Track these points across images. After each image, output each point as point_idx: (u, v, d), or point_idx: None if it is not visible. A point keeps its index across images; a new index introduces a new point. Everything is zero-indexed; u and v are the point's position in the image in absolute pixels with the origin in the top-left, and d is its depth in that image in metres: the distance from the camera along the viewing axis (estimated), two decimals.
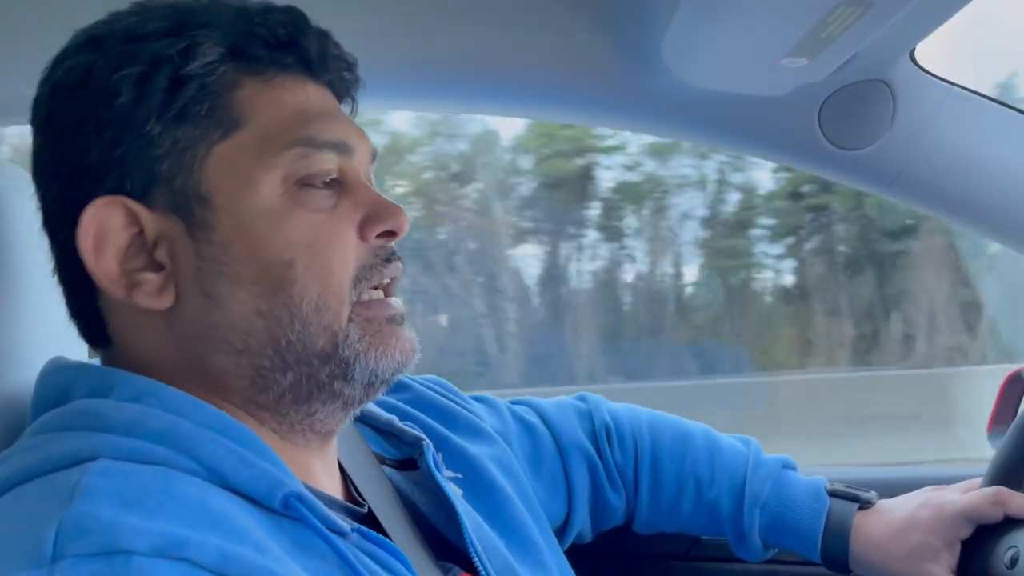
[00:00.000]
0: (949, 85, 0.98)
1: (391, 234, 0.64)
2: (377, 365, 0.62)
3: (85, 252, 0.59)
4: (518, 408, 0.97)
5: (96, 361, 0.67)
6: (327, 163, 0.61)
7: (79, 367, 0.62)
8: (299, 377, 0.61)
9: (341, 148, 0.62)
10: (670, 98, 1.00)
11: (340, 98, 0.68)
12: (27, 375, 0.69)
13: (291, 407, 0.62)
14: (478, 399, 0.94)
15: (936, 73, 0.98)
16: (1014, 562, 0.79)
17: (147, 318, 0.60)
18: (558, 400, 1.01)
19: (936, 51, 0.97)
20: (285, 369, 0.60)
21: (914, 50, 0.96)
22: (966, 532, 0.85)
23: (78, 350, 0.75)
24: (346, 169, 0.63)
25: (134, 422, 0.55)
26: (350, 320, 0.61)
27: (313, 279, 0.60)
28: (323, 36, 0.65)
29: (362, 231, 0.62)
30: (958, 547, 0.86)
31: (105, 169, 0.59)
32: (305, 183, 0.60)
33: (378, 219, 0.63)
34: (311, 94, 0.64)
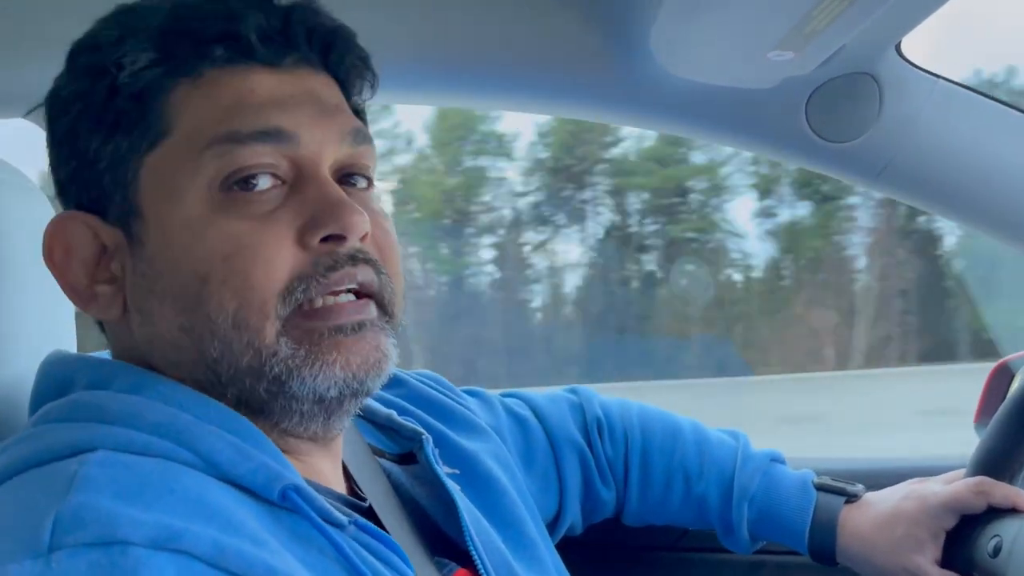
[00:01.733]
0: (935, 78, 0.99)
1: (339, 239, 0.57)
2: (316, 382, 0.57)
3: (49, 263, 0.60)
4: (510, 401, 0.97)
5: (100, 353, 0.67)
6: (254, 157, 0.56)
7: (80, 359, 0.62)
8: (238, 393, 0.58)
9: (276, 136, 0.57)
10: (658, 91, 1.00)
11: (338, 79, 0.63)
12: (21, 370, 0.69)
13: (260, 416, 0.59)
14: (471, 393, 0.94)
15: (922, 66, 0.99)
16: (997, 551, 0.79)
17: (112, 328, 0.62)
18: (550, 393, 1.01)
19: (922, 44, 0.98)
20: (224, 385, 0.58)
21: (900, 43, 0.96)
22: (950, 523, 0.86)
23: (67, 343, 0.76)
24: (298, 161, 0.58)
25: (133, 414, 0.55)
26: (280, 334, 0.56)
27: (230, 294, 0.55)
28: (272, 13, 0.59)
29: (302, 237, 0.57)
30: (943, 537, 0.86)
31: (67, 184, 0.61)
32: (231, 186, 0.56)
33: (318, 223, 0.57)
34: (256, 84, 0.58)
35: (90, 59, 0.59)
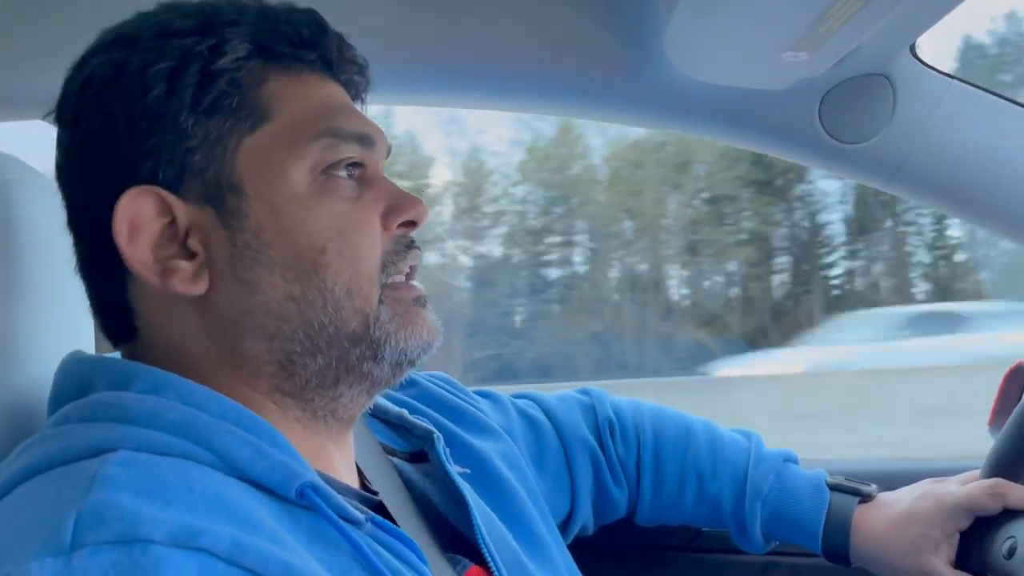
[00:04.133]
0: (949, 79, 0.98)
1: (411, 224, 0.66)
2: (407, 345, 0.64)
3: (120, 240, 0.60)
4: (522, 402, 0.98)
5: (116, 354, 0.67)
6: (351, 152, 0.64)
7: (99, 360, 0.63)
8: (329, 361, 0.62)
9: (364, 140, 0.65)
10: (671, 91, 1.00)
11: (353, 99, 0.70)
12: (34, 368, 0.69)
13: (316, 392, 0.64)
14: (482, 394, 0.95)
15: (936, 67, 0.98)
16: (1012, 552, 0.79)
17: (179, 306, 0.62)
18: (561, 394, 1.02)
19: (937, 45, 0.97)
20: (315, 353, 0.62)
21: (915, 44, 0.96)
22: (965, 523, 0.86)
23: (84, 343, 0.76)
24: (367, 162, 0.65)
25: (153, 414, 0.56)
26: (381, 302, 0.63)
27: (344, 264, 0.62)
28: (340, 38, 0.67)
29: (384, 221, 0.65)
30: (957, 538, 0.86)
31: (137, 161, 0.61)
32: (331, 171, 0.63)
33: (400, 209, 0.65)
34: (332, 90, 0.66)
35: (169, 42, 0.61)
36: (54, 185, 0.77)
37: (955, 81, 0.98)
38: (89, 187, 0.62)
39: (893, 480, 0.94)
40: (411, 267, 0.66)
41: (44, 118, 1.06)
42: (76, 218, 0.64)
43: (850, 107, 0.99)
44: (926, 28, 0.92)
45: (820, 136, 1.01)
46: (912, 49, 0.97)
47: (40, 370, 0.69)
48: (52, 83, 1.02)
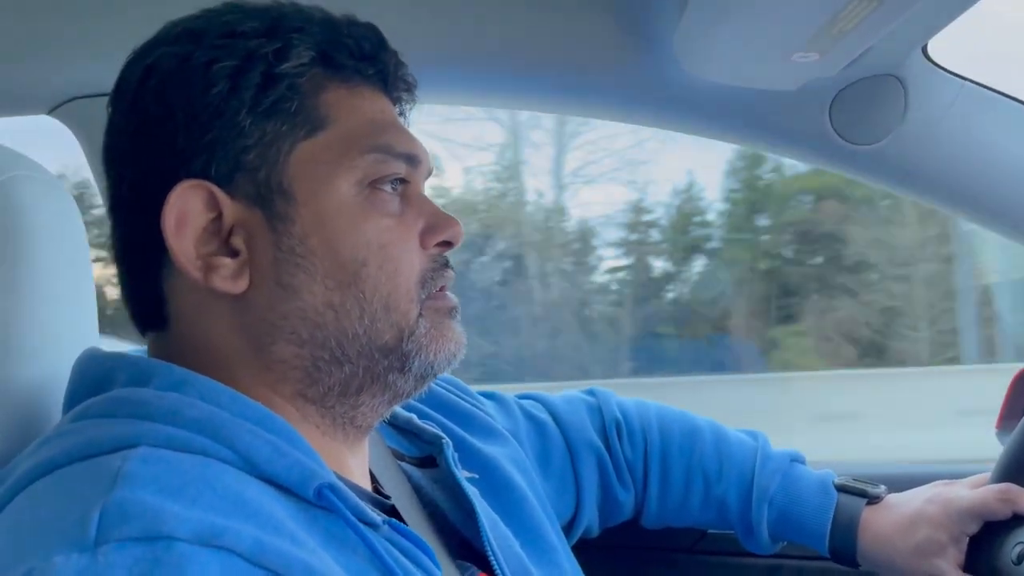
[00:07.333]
0: (962, 80, 0.98)
1: (448, 244, 0.67)
2: (435, 358, 0.65)
3: (168, 232, 0.60)
4: (527, 403, 0.97)
5: (134, 350, 0.67)
6: (399, 169, 0.65)
7: (117, 357, 0.63)
8: (355, 370, 0.63)
9: (411, 160, 0.66)
10: (681, 92, 1.00)
11: (398, 115, 0.71)
12: (39, 366, 0.69)
13: (338, 400, 0.64)
14: (488, 396, 0.94)
15: (949, 68, 0.98)
16: (1021, 558, 0.79)
17: (215, 303, 0.62)
18: (567, 395, 1.01)
19: (949, 46, 0.97)
20: (343, 362, 0.63)
21: (927, 45, 0.96)
22: (973, 528, 0.85)
23: (90, 341, 0.76)
24: (410, 180, 0.67)
25: (173, 411, 0.56)
26: (420, 315, 0.64)
27: (385, 279, 0.63)
28: (396, 55, 0.69)
29: (423, 239, 0.66)
30: (965, 542, 0.86)
31: (192, 154, 0.61)
32: (376, 186, 0.64)
33: (438, 229, 0.66)
34: (384, 106, 0.68)
35: (235, 42, 0.62)
36: (60, 182, 0.77)
37: (967, 83, 0.98)
38: (138, 174, 0.63)
39: (902, 483, 0.94)
40: (442, 287, 0.67)
41: (50, 113, 1.07)
42: (119, 203, 0.64)
43: (861, 108, 0.99)
44: (939, 30, 0.91)
45: (831, 137, 1.00)
46: (924, 50, 0.96)
47: (46, 368, 0.69)
48: (58, 79, 1.02)
